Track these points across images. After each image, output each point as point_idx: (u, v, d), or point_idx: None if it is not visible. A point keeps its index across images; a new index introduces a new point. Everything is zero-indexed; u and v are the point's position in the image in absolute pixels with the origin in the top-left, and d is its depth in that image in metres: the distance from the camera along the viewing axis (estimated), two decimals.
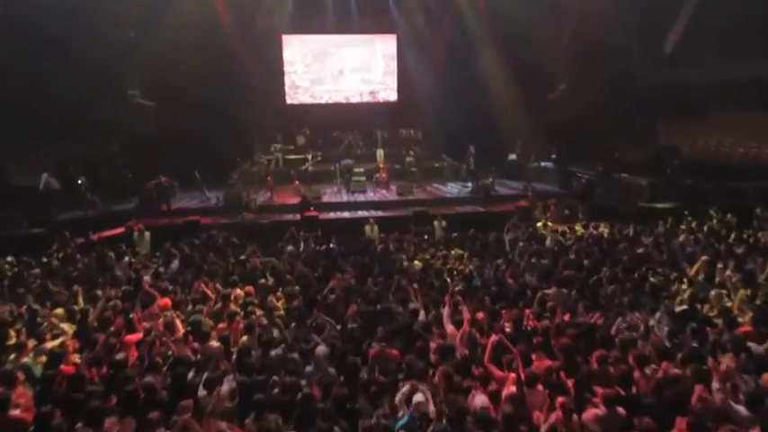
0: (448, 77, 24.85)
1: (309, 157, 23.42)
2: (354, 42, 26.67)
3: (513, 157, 22.69)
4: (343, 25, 25.05)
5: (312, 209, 17.44)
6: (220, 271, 11.02)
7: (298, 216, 17.14)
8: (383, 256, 12.35)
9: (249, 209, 17.43)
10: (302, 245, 13.47)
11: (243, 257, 11.79)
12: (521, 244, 12.48)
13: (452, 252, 12.70)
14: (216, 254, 12.36)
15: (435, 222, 16.19)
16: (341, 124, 26.31)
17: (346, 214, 18.74)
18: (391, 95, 27.21)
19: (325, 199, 20.06)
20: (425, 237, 15.10)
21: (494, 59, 23.66)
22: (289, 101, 26.54)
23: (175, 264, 11.65)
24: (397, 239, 13.92)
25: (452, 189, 21.47)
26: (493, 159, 22.74)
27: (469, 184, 20.60)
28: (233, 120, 22.66)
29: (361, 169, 22.87)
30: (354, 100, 26.99)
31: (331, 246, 13.27)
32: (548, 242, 13.08)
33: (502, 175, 22.02)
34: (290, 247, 13.25)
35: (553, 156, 21.64)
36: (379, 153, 24.45)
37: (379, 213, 18.18)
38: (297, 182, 20.25)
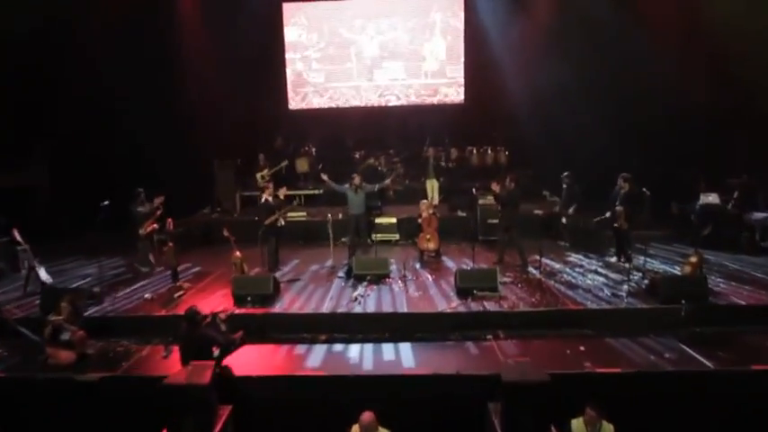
0: (565, 67, 12.91)
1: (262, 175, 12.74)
2: (397, 10, 15.30)
3: (709, 199, 10.25)
4: None
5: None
6: None
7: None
8: None
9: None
10: None
11: None
12: None
13: None
14: None
15: None
16: (368, 138, 14.99)
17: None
18: (455, 94, 15.49)
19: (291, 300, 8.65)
20: None
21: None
22: (293, 105, 15.59)
23: None
24: None
25: (595, 283, 8.89)
26: (659, 205, 10.43)
27: (631, 274, 8.50)
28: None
29: (391, 220, 11.34)
30: (394, 102, 15.54)
31: None
32: None
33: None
34: None
35: None
36: (432, 186, 12.83)
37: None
38: (237, 253, 9.01)
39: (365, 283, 8.75)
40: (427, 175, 13.34)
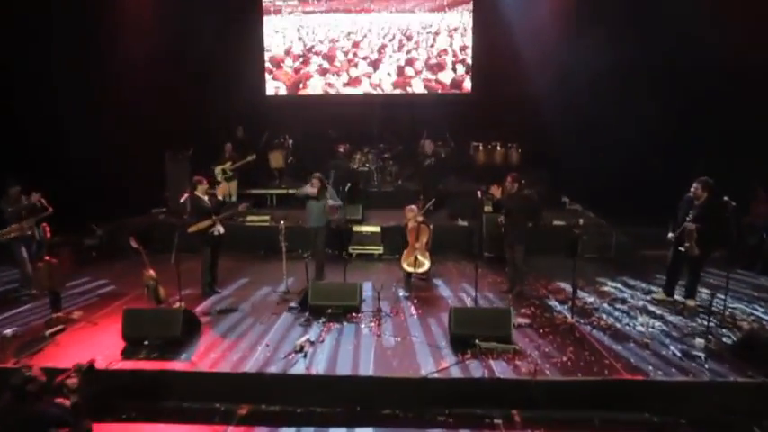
0: (596, 47, 10.17)
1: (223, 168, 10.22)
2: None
3: None
4: None
5: None
6: None
7: None
8: None
9: None
10: None
11: None
12: None
13: None
14: None
15: None
16: (355, 130, 12.38)
17: None
18: (460, 81, 12.83)
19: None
20: None
21: None
22: (270, 90, 12.96)
23: None
24: None
25: (651, 330, 5.96)
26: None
27: (700, 318, 5.78)
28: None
29: (374, 228, 8.71)
30: (389, 88, 12.88)
31: None
32: None
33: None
34: None
35: None
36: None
37: None
38: (151, 271, 6.35)
39: (323, 321, 6.08)
40: (421, 175, 10.70)
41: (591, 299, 6.95)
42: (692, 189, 6.30)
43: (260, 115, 12.49)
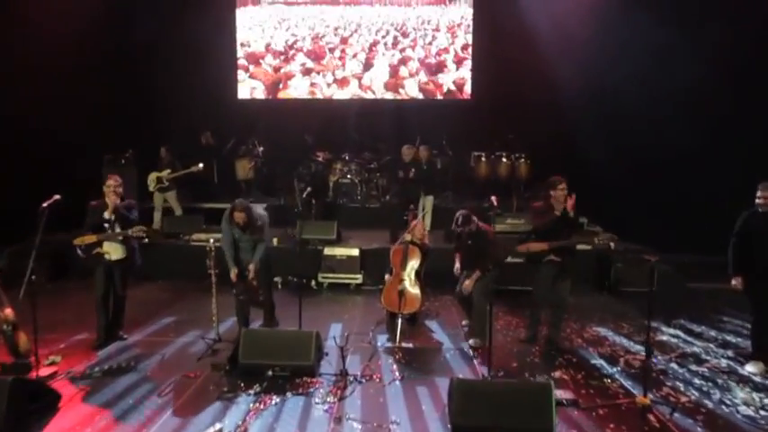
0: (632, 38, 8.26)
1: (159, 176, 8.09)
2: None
3: None
4: None
5: None
6: None
7: None
8: None
9: None
10: None
11: None
12: None
13: None
14: None
15: None
16: (337, 137, 10.36)
17: None
18: (458, 85, 10.86)
19: None
20: None
21: None
22: (241, 87, 10.95)
23: None
24: None
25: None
26: None
27: None
28: None
29: (351, 251, 6.50)
30: (380, 91, 10.90)
31: None
32: None
33: None
34: None
35: None
36: (424, 204, 8.01)
37: None
38: (8, 310, 4.14)
39: (257, 390, 3.87)
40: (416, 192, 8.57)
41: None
42: (760, 198, 4.25)
43: (228, 118, 10.44)
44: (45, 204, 4.12)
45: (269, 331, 4.53)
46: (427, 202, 8.58)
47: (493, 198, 4.79)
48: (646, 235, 7.60)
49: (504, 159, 9.81)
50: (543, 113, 9.56)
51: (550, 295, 4.75)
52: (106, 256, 4.64)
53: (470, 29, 10.68)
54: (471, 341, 4.71)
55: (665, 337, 5.24)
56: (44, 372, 4.08)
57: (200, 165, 8.00)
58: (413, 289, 5.06)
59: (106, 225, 4.64)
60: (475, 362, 4.55)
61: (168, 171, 7.99)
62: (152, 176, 8.02)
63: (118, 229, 4.63)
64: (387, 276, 5.33)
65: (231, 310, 5.16)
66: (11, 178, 7.83)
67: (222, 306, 4.88)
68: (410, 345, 4.91)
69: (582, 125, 8.73)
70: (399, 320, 5.18)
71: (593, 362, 4.57)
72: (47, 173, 7.90)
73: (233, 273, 4.89)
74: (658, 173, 8.24)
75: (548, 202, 4.68)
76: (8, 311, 4.21)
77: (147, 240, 4.71)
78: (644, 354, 4.65)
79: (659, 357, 4.70)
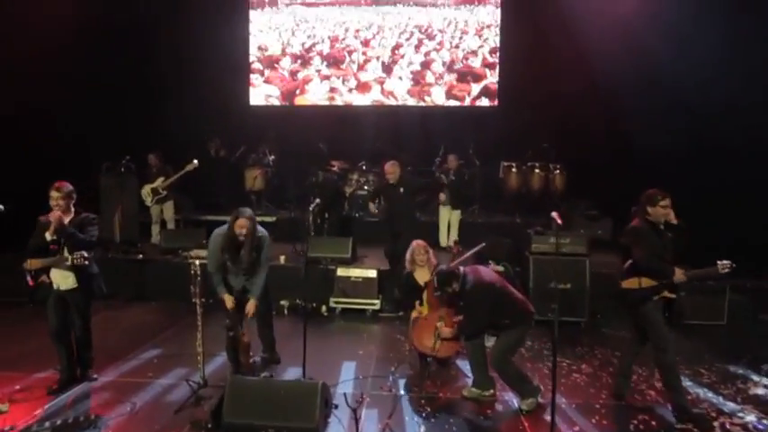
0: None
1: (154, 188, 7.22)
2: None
3: None
4: None
5: None
6: None
7: None
8: None
9: None
10: None
11: None
12: None
13: None
14: None
15: None
16: (352, 145, 9.48)
17: None
18: (484, 93, 9.91)
19: None
20: None
21: None
22: (254, 92, 10.16)
23: None
24: None
25: None
26: None
27: None
28: None
29: (367, 273, 5.50)
30: (403, 96, 9.99)
31: None
32: None
33: None
34: None
35: None
36: (448, 217, 7.35)
37: None
38: None
39: None
40: (441, 200, 7.63)
41: (745, 415, 3.65)
42: None
43: (239, 124, 9.64)
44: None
45: (261, 381, 3.54)
46: (453, 216, 7.64)
47: (554, 214, 3.74)
48: (709, 257, 6.46)
49: (538, 170, 8.76)
50: (582, 120, 8.55)
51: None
52: (54, 285, 3.72)
53: (498, 30, 9.75)
54: (524, 405, 3.64)
55: (759, 390, 4.10)
56: None
57: (195, 161, 7.08)
58: (449, 330, 4.01)
59: (52, 247, 3.67)
60: (514, 408, 3.50)
61: (162, 179, 7.15)
62: (146, 189, 7.21)
63: (66, 253, 3.69)
64: (417, 310, 4.29)
65: (223, 343, 4.22)
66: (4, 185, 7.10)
67: (213, 339, 3.94)
68: (440, 394, 3.89)
69: (631, 131, 7.64)
70: (429, 362, 4.19)
71: (680, 426, 3.48)
72: (42, 179, 7.17)
73: (229, 302, 3.96)
74: (720, 184, 7.06)
75: (646, 220, 3.61)
76: None
77: (87, 264, 3.68)
78: (742, 416, 3.61)
79: (760, 419, 3.59)
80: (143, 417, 3.49)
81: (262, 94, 10.11)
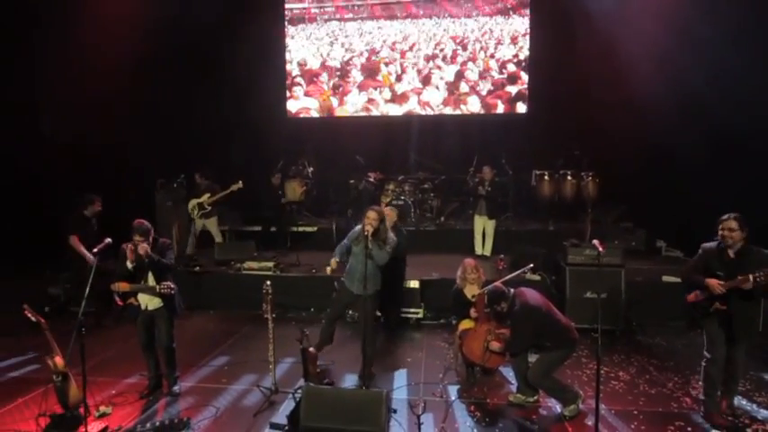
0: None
1: (200, 202, 7.80)
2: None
3: None
4: None
5: None
6: None
7: None
8: None
9: None
10: None
11: None
12: None
13: None
14: None
15: None
16: (388, 156, 9.92)
17: None
18: (513, 101, 10.22)
19: None
20: None
21: None
22: (293, 105, 10.71)
23: None
24: None
25: None
26: None
27: None
28: None
29: (412, 284, 5.95)
30: (438, 106, 10.38)
31: None
32: None
33: None
34: None
35: None
36: (484, 227, 7.94)
37: None
38: (57, 358, 3.85)
39: None
40: (477, 210, 8.00)
41: None
42: None
43: (278, 137, 10.17)
44: (96, 250, 3.78)
45: (333, 391, 4.01)
46: (488, 226, 7.98)
47: (596, 242, 4.00)
48: None
49: (570, 178, 9.05)
50: (613, 127, 8.77)
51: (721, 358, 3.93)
52: (142, 306, 4.27)
53: (528, 40, 10.02)
54: (566, 411, 4.01)
55: None
56: (94, 427, 3.73)
57: (240, 183, 7.61)
58: (499, 343, 4.41)
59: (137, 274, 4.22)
60: (569, 428, 3.87)
61: (208, 195, 7.68)
62: (192, 204, 7.78)
63: (150, 278, 4.23)
64: (466, 322, 4.68)
65: (287, 349, 4.72)
66: (68, 198, 7.78)
67: (277, 347, 4.42)
68: (488, 400, 4.29)
69: (663, 137, 7.84)
70: (476, 370, 4.61)
71: None
72: (102, 196, 7.86)
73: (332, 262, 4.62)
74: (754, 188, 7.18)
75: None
76: (58, 360, 3.90)
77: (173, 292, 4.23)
78: None
79: None
80: (226, 419, 4.00)
81: (301, 106, 10.63)
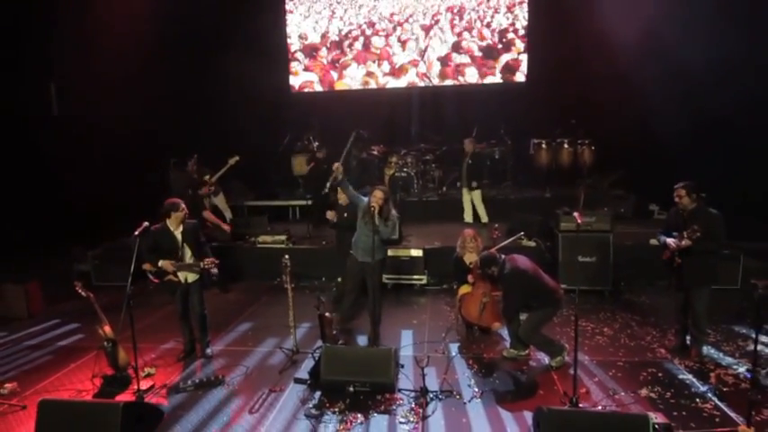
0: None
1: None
2: None
3: None
4: None
5: None
6: None
7: None
8: None
9: None
10: None
11: None
12: None
13: None
14: None
15: None
16: (390, 129, 10.29)
17: None
18: (511, 70, 10.48)
19: None
20: None
21: None
22: (295, 81, 11.00)
23: None
24: None
25: None
26: None
27: None
28: None
29: (414, 252, 6.47)
30: (436, 78, 10.67)
31: None
32: None
33: None
34: None
35: None
36: (467, 198, 8.37)
37: None
38: (107, 327, 4.43)
39: (340, 408, 3.97)
40: (462, 181, 8.44)
41: (738, 368, 4.51)
42: None
43: (283, 113, 10.52)
44: (136, 233, 4.28)
45: (348, 349, 4.61)
46: (475, 196, 8.34)
47: (576, 215, 4.44)
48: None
49: (567, 146, 9.43)
50: (609, 96, 9.07)
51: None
52: (182, 280, 4.80)
53: (525, 8, 10.18)
54: (553, 362, 4.59)
55: (759, 347, 4.92)
56: (143, 385, 4.34)
57: (236, 157, 7.76)
58: (494, 308, 4.96)
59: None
60: (554, 377, 4.47)
61: (208, 176, 7.90)
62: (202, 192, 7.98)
63: (188, 253, 4.77)
64: (465, 287, 5.23)
65: (303, 316, 5.31)
66: (83, 179, 8.30)
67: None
68: (484, 355, 4.89)
69: (657, 105, 8.18)
70: (474, 329, 5.20)
71: (681, 377, 4.38)
72: (117, 175, 8.38)
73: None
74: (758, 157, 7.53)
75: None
76: (107, 329, 4.49)
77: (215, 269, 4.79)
78: (736, 368, 4.47)
79: (763, 371, 4.44)
80: (256, 376, 4.61)
81: (303, 80, 10.93)
